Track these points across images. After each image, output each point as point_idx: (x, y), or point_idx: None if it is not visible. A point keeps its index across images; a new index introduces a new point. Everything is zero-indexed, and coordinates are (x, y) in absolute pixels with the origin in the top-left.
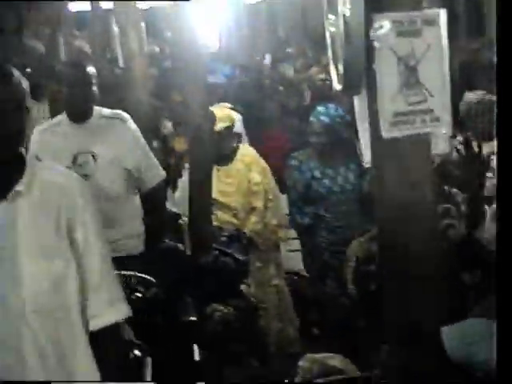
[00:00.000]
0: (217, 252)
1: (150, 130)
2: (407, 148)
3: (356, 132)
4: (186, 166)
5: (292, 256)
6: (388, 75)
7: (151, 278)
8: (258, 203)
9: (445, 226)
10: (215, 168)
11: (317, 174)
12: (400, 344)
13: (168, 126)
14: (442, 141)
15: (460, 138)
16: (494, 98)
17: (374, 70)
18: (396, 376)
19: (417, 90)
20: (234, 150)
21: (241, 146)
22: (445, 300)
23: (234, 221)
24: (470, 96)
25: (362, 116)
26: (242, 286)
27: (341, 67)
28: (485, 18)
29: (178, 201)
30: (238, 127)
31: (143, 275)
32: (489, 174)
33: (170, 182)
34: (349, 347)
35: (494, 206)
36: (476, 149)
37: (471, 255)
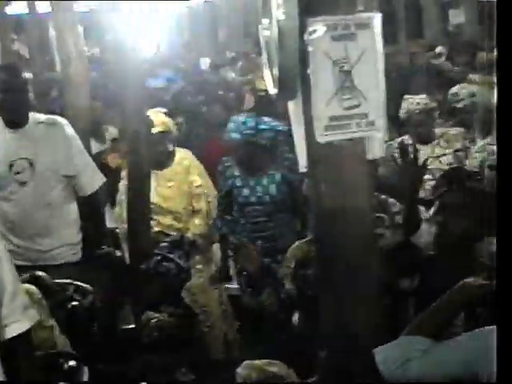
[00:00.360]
0: (158, 257)
1: (93, 135)
2: (342, 153)
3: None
4: (123, 180)
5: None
6: (323, 79)
7: (88, 286)
8: (201, 205)
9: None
10: (154, 172)
11: (238, 182)
12: (336, 350)
13: (113, 132)
14: (377, 145)
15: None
16: (434, 104)
17: (309, 75)
18: (334, 382)
19: (352, 94)
20: (172, 154)
21: (178, 149)
22: (382, 306)
23: (177, 224)
24: (410, 102)
25: (298, 121)
26: (184, 292)
27: (276, 71)
28: (423, 21)
29: (116, 216)
30: (174, 132)
31: (80, 283)
32: (427, 177)
33: (108, 198)
34: (288, 353)
35: (432, 209)
36: (411, 154)
37: (408, 261)
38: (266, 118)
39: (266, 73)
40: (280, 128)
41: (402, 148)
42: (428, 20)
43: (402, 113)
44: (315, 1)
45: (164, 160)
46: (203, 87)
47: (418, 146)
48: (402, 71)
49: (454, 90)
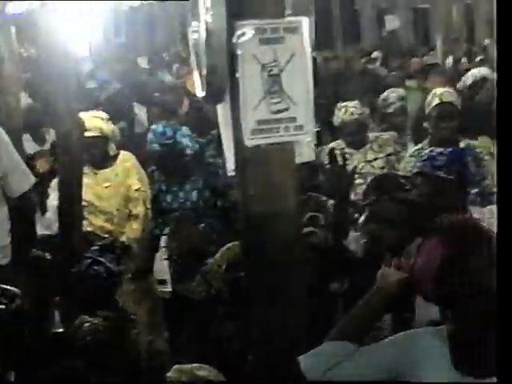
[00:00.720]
0: (89, 260)
1: (32, 137)
2: (271, 156)
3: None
4: (53, 183)
5: (164, 264)
6: (251, 83)
7: (15, 290)
8: (139, 210)
9: (308, 232)
10: (93, 172)
11: (163, 187)
12: (265, 353)
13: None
14: (306, 149)
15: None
16: (367, 110)
17: (237, 78)
18: None
19: (280, 98)
20: (113, 157)
21: (121, 152)
22: (310, 309)
23: (109, 226)
24: (344, 110)
25: (226, 124)
26: (116, 297)
27: (204, 74)
28: (361, 27)
29: (48, 222)
30: (114, 134)
31: (6, 286)
32: (360, 181)
33: (38, 204)
34: (218, 357)
35: (362, 217)
36: (340, 161)
37: (339, 264)
38: (184, 127)
39: (196, 75)
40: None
41: (331, 154)
42: (364, 26)
43: (335, 120)
44: (243, 4)
45: (102, 161)
46: (140, 89)
47: (351, 151)
48: (338, 76)
49: (383, 95)
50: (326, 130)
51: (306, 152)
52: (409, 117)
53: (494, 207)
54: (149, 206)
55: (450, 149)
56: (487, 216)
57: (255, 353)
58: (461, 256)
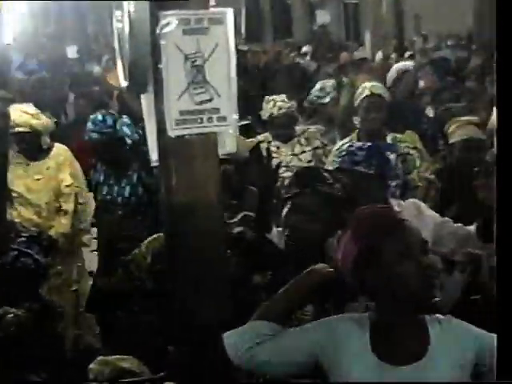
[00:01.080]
0: (16, 252)
1: None
2: (194, 147)
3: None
4: None
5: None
6: (174, 73)
7: None
8: (69, 205)
9: (238, 233)
10: (25, 163)
11: (102, 178)
12: (187, 344)
13: None
14: (229, 140)
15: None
16: (295, 104)
17: (161, 68)
18: (184, 377)
19: (204, 88)
20: (47, 149)
21: (56, 145)
22: (233, 301)
23: (36, 219)
24: (272, 104)
25: (149, 114)
26: (41, 289)
27: (127, 64)
28: (292, 21)
29: None
30: (46, 128)
31: None
32: (288, 174)
33: None
34: (142, 348)
35: (285, 209)
36: (265, 157)
37: (261, 256)
38: (125, 116)
39: (119, 65)
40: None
41: (255, 150)
42: (295, 19)
43: (263, 114)
44: None
45: (34, 154)
46: (68, 80)
47: (279, 144)
48: (267, 69)
49: (318, 85)
50: (256, 123)
51: (228, 143)
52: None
53: (415, 200)
54: (82, 201)
55: (369, 143)
56: (409, 208)
57: (177, 344)
58: (373, 248)
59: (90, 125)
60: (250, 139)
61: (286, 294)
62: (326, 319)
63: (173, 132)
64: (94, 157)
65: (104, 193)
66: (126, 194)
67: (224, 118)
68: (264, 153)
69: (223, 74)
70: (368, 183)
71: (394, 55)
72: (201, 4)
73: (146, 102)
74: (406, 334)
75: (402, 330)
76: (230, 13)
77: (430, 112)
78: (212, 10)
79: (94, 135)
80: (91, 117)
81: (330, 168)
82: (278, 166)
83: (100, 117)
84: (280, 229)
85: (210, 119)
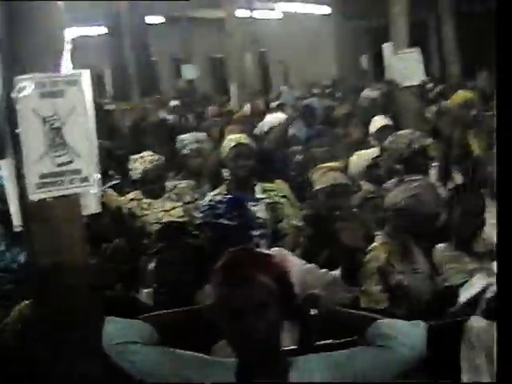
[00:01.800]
0: None
1: None
2: (57, 209)
3: None
4: None
5: None
6: (32, 137)
7: None
8: None
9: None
10: None
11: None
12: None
13: None
14: (92, 200)
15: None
16: (163, 160)
17: (19, 133)
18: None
19: (63, 150)
20: None
21: None
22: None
23: None
24: (140, 161)
25: (10, 179)
26: None
27: None
28: (159, 77)
29: None
30: None
31: None
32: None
33: None
34: None
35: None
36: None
37: (131, 314)
38: None
39: None
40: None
41: (118, 211)
42: (163, 75)
43: (132, 173)
44: (21, 59)
45: None
46: None
47: (150, 201)
48: (135, 127)
49: (180, 137)
50: (126, 181)
51: (92, 203)
52: (207, 165)
53: (280, 249)
54: None
55: (230, 196)
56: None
57: None
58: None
59: None
60: (121, 198)
61: (178, 314)
62: (199, 356)
63: (34, 196)
64: None
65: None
66: (22, 259)
67: (86, 179)
68: (125, 213)
69: (82, 135)
70: (230, 234)
71: (262, 106)
72: (56, 66)
73: (6, 166)
74: (268, 377)
75: (263, 373)
76: (85, 74)
77: (298, 159)
78: (67, 71)
79: None
80: None
81: (197, 221)
82: (143, 226)
83: None
84: (148, 290)
85: (71, 181)
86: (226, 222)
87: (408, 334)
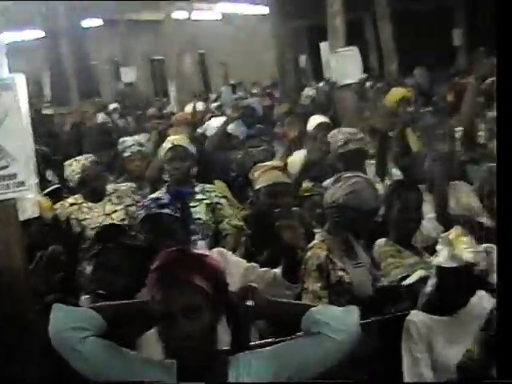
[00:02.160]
0: None
1: None
2: None
3: None
4: None
5: None
6: None
7: None
8: None
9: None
10: None
11: None
12: None
13: None
14: (29, 205)
15: None
16: (98, 161)
17: None
18: None
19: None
20: None
21: None
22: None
23: None
24: (75, 165)
25: None
26: None
27: None
28: (98, 81)
29: None
30: None
31: None
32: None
33: None
34: None
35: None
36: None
37: None
38: None
39: None
40: None
41: (55, 217)
42: (102, 79)
43: (70, 177)
44: None
45: None
46: None
47: (91, 205)
48: (75, 131)
49: (121, 139)
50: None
51: (29, 208)
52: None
53: (221, 249)
54: None
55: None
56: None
57: None
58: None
59: None
60: (60, 202)
61: (127, 305)
62: (141, 356)
63: None
64: None
65: None
66: None
67: (22, 183)
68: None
69: (18, 140)
70: (174, 227)
71: (202, 107)
72: None
73: None
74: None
75: (201, 374)
76: (19, 78)
77: (237, 159)
78: (0, 76)
79: None
80: None
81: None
82: (83, 231)
83: None
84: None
85: (7, 186)
86: (170, 212)
87: (340, 319)
